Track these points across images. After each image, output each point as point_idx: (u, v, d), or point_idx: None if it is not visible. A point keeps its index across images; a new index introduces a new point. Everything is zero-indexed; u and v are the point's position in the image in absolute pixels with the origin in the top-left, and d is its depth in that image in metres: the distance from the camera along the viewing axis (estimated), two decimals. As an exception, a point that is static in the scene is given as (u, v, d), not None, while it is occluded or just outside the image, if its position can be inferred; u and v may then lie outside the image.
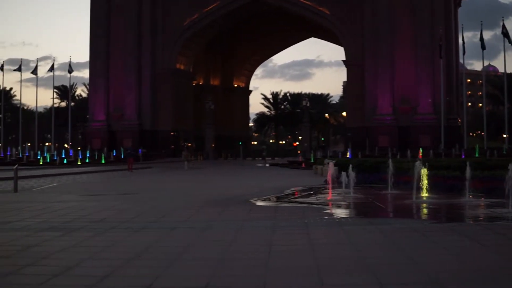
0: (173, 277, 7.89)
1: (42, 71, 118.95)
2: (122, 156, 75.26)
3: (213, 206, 17.77)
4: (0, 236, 11.70)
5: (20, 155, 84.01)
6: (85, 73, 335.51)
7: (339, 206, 18.86)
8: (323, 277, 7.93)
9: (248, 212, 16.19)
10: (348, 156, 63.31)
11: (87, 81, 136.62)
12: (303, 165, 58.92)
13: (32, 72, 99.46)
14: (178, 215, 15.35)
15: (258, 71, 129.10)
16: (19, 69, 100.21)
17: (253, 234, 11.95)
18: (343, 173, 23.52)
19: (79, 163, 72.94)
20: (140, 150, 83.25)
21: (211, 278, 7.77)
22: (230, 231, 12.13)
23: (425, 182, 19.95)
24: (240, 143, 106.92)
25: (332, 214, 16.34)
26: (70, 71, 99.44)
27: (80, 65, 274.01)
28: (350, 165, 24.14)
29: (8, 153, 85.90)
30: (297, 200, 21.40)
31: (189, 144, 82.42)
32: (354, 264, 8.87)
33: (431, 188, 20.11)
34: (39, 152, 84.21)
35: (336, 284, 7.73)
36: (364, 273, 8.23)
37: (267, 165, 68.95)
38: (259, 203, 19.29)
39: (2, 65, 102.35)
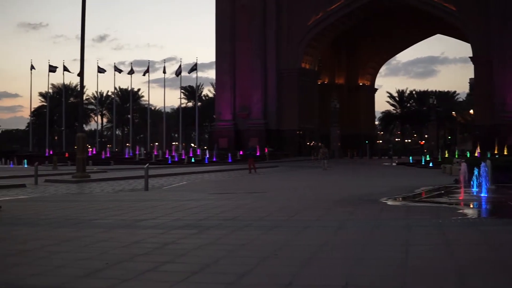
0: (311, 276, 7.82)
1: (168, 72, 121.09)
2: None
3: (343, 205, 17.62)
4: (137, 233, 11.93)
5: (149, 155, 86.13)
6: (209, 73, 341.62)
7: (472, 206, 18.37)
8: (465, 279, 7.70)
9: (380, 211, 15.95)
10: (476, 155, 61.77)
11: (212, 81, 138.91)
12: (431, 164, 57.97)
13: (163, 72, 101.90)
14: (309, 214, 15.26)
15: (382, 69, 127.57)
16: (147, 71, 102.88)
17: (388, 234, 11.74)
18: (474, 172, 22.91)
19: (206, 162, 74.07)
20: (265, 149, 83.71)
21: (349, 278, 7.66)
22: (364, 231, 11.96)
23: None
24: (367, 142, 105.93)
25: (466, 214, 15.88)
26: (194, 69, 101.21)
27: (205, 66, 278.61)
28: (482, 164, 23.46)
29: (137, 152, 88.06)
30: (428, 199, 20.97)
31: (319, 144, 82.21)
32: (494, 266, 8.55)
33: None
34: (167, 151, 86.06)
35: (479, 287, 7.48)
36: (507, 276, 7.93)
37: (394, 164, 68.11)
38: (390, 202, 18.99)
39: (132, 69, 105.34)
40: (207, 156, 77.78)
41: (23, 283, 7.57)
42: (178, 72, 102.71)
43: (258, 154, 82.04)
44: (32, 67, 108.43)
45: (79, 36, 40.47)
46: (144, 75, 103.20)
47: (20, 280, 7.71)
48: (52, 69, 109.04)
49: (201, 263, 8.48)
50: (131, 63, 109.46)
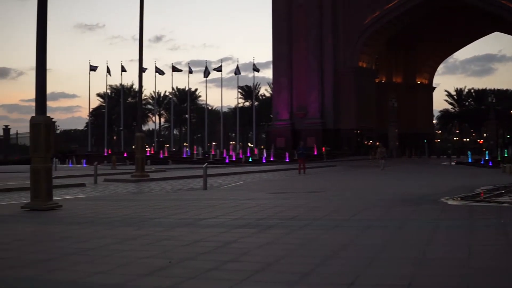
0: (374, 275, 7.73)
1: (224, 72, 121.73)
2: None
3: (403, 205, 17.43)
4: (198, 232, 11.97)
5: (206, 154, 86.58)
6: (266, 73, 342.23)
7: (536, 207, 18.01)
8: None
9: (441, 211, 15.73)
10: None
11: (268, 81, 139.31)
12: (490, 163, 57.22)
13: (216, 69, 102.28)
14: (369, 214, 15.14)
15: (439, 67, 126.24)
16: (206, 72, 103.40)
17: (449, 234, 11.57)
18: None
19: (263, 161, 74.16)
20: (323, 148, 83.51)
21: (412, 278, 7.55)
22: (425, 231, 11.81)
23: None
24: (425, 141, 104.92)
25: (529, 214, 15.59)
26: (255, 69, 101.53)
27: (261, 65, 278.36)
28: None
29: (195, 152, 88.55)
30: (489, 199, 20.61)
31: (377, 143, 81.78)
32: None
33: None
34: (224, 151, 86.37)
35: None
36: None
37: (453, 163, 67.35)
38: (450, 202, 18.72)
39: (190, 69, 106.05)
40: (265, 155, 77.88)
41: (87, 281, 7.64)
42: (235, 72, 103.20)
43: (315, 153, 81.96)
44: (92, 69, 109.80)
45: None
46: (206, 76, 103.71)
47: (84, 278, 7.78)
48: (110, 70, 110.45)
49: (263, 262, 8.46)
50: (188, 63, 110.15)
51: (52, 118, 18.27)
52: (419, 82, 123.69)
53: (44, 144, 17.79)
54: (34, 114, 18.04)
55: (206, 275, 7.74)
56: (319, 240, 10.84)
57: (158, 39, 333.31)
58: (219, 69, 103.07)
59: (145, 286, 7.31)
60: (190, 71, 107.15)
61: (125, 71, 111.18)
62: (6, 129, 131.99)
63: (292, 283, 7.21)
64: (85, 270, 8.28)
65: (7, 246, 10.72)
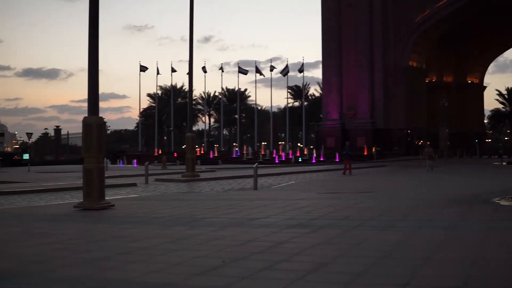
0: (429, 276, 7.65)
1: (273, 72, 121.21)
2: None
3: (455, 205, 17.23)
4: (250, 232, 11.97)
5: (256, 154, 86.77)
6: (314, 73, 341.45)
7: None
8: None
9: (494, 211, 15.52)
10: None
11: (317, 80, 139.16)
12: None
13: (270, 69, 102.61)
14: (421, 214, 15.00)
15: (489, 66, 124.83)
16: (258, 71, 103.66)
17: (503, 234, 11.41)
18: None
19: (313, 161, 74.03)
20: (373, 148, 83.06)
21: (466, 278, 7.46)
22: (479, 231, 11.66)
23: None
24: (476, 141, 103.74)
25: None
26: (301, 70, 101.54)
27: (310, 65, 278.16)
28: None
29: (245, 152, 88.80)
30: (543, 200, 20.31)
31: (428, 143, 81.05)
32: None
33: None
34: (274, 151, 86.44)
35: None
36: None
37: (504, 163, 66.47)
38: (503, 202, 18.44)
39: (240, 69, 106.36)
40: (314, 155, 77.73)
41: (141, 280, 7.68)
42: (285, 72, 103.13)
43: (365, 153, 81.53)
44: (142, 69, 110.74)
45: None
46: (261, 74, 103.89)
47: (138, 277, 7.83)
48: (159, 70, 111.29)
49: (316, 262, 8.43)
50: (238, 63, 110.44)
51: (103, 118, 18.44)
52: (469, 82, 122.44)
53: (96, 144, 17.98)
54: (83, 115, 18.27)
55: (259, 275, 7.73)
56: (372, 240, 10.77)
57: (206, 39, 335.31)
58: (271, 69, 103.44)
59: (199, 285, 7.33)
60: (241, 72, 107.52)
61: (175, 71, 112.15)
62: (57, 130, 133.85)
63: (346, 283, 7.17)
64: (138, 269, 8.33)
65: (61, 245, 10.84)
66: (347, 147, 48.22)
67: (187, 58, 41.68)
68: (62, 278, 7.88)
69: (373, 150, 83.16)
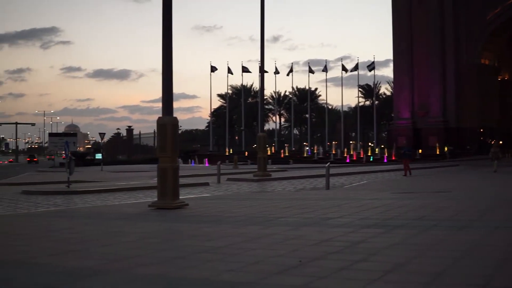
0: (507, 277, 7.55)
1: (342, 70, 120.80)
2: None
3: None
4: (325, 232, 11.95)
5: (327, 153, 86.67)
6: (384, 71, 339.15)
7: None
8: None
9: None
10: None
11: (388, 79, 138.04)
12: None
13: (343, 70, 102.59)
14: (498, 214, 14.79)
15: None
16: (324, 70, 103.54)
17: None
18: None
19: (385, 161, 73.61)
20: (445, 147, 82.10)
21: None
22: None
23: None
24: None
25: None
26: (372, 68, 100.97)
27: (380, 64, 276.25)
28: None
29: (316, 151, 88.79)
30: None
31: (492, 142, 79.76)
32: None
33: None
34: (345, 150, 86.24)
35: None
36: None
37: None
38: None
39: (310, 68, 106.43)
40: (386, 154, 77.23)
41: (219, 278, 7.73)
42: (354, 69, 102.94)
43: (438, 152, 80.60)
44: (212, 69, 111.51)
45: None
46: (324, 71, 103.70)
47: (215, 276, 7.87)
48: (231, 70, 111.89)
49: (394, 263, 8.37)
50: (308, 62, 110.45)
51: (177, 118, 18.64)
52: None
53: (171, 144, 18.18)
54: (154, 115, 18.79)
55: (337, 275, 7.72)
56: (448, 240, 10.65)
57: (275, 39, 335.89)
58: (343, 69, 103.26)
59: (278, 284, 7.34)
60: (311, 71, 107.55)
61: (246, 71, 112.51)
62: (130, 130, 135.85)
63: (426, 283, 7.11)
64: (215, 268, 8.39)
65: (137, 244, 10.99)
66: (406, 147, 47.06)
67: (256, 58, 42.18)
68: (141, 276, 7.99)
69: (446, 149, 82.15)
